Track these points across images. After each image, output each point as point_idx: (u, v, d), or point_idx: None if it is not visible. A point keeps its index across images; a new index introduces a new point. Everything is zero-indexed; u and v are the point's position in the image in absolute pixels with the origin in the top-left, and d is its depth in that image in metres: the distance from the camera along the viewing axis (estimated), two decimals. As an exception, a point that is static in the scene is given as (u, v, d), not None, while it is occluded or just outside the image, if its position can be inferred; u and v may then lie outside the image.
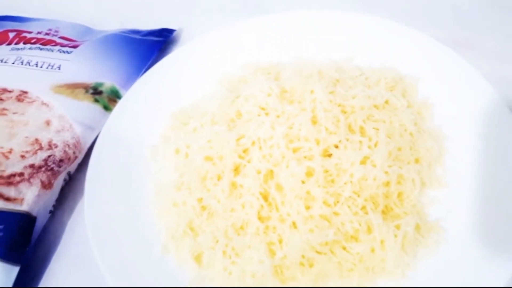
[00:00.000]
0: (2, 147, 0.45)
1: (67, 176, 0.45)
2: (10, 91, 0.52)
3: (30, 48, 0.58)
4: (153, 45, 0.57)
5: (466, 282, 0.32)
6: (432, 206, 0.38)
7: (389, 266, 0.33)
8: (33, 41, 0.60)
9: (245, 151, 0.39)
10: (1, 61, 0.56)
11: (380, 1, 0.61)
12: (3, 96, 0.51)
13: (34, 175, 0.42)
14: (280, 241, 0.35)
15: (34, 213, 0.40)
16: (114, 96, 0.50)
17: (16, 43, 0.59)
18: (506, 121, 0.39)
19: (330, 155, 0.38)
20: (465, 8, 0.58)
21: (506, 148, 0.38)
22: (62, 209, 0.44)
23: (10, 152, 0.45)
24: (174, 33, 0.61)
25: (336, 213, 0.35)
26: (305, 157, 0.38)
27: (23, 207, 0.40)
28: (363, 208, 0.36)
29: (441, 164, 0.40)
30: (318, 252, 0.34)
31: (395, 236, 0.34)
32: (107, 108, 0.48)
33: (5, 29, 0.63)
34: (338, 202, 0.36)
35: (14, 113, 0.49)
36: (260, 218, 0.36)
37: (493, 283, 0.31)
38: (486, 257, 0.33)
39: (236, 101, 0.44)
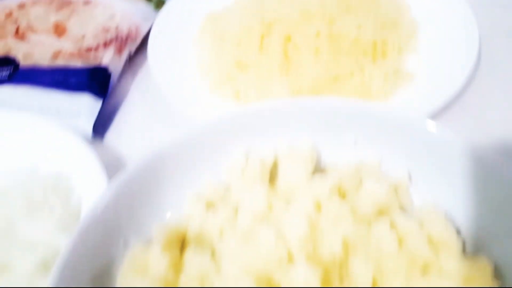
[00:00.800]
0: (77, 34, 0.58)
1: (128, 55, 0.58)
2: (76, 1, 0.65)
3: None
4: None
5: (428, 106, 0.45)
6: (407, 64, 0.51)
7: (374, 91, 0.47)
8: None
9: (268, 26, 0.52)
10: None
11: None
12: (71, 5, 0.64)
13: (108, 44, 0.55)
14: (297, 79, 0.48)
15: (109, 70, 0.53)
16: (161, 2, 0.63)
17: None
18: (465, 17, 0.52)
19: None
20: None
21: (462, 31, 0.51)
22: (126, 76, 0.57)
23: (84, 36, 0.58)
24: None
25: (338, 61, 0.49)
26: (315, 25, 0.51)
27: (103, 63, 0.53)
28: (357, 59, 0.49)
29: (415, 38, 0.53)
30: (325, 84, 0.48)
31: (380, 73, 0.47)
32: (157, 7, 0.62)
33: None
34: (339, 54, 0.49)
35: (83, 12, 0.62)
36: (281, 68, 0.50)
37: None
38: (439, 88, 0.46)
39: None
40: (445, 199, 0.35)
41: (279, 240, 0.33)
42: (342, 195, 0.36)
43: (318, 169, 0.40)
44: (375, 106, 0.38)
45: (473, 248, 0.34)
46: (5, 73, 0.54)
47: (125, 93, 0.55)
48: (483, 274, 0.31)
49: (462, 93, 0.47)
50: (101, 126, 0.51)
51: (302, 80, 0.48)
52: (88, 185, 0.43)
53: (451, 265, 0.31)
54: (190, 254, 0.34)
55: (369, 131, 0.38)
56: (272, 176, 0.39)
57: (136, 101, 0.54)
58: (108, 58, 0.54)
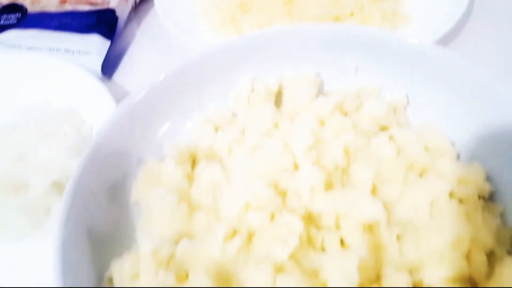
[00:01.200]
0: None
1: (134, 2, 0.59)
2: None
3: None
4: None
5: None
6: (404, 8, 0.53)
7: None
8: None
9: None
10: None
11: None
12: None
13: (115, -10, 0.56)
14: (299, 19, 0.50)
15: (117, 13, 0.55)
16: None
17: None
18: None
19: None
20: None
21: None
22: (132, 23, 0.58)
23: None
24: None
25: (339, 1, 0.50)
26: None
27: (110, 6, 0.54)
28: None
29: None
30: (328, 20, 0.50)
31: (378, 12, 0.49)
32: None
33: None
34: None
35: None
36: (283, 9, 0.51)
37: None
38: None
39: None
40: (441, 119, 0.37)
41: (285, 150, 0.35)
42: (344, 113, 0.38)
43: (322, 94, 0.42)
44: (375, 30, 0.40)
45: (467, 160, 0.36)
46: (13, 18, 0.56)
47: (131, 38, 0.57)
48: (476, 177, 0.33)
49: (455, 35, 0.49)
50: (109, 67, 0.52)
51: (304, 20, 0.50)
52: (99, 117, 0.45)
53: (447, 168, 0.34)
54: (201, 166, 0.36)
55: (369, 57, 0.40)
56: (278, 103, 0.41)
57: (142, 46, 0.56)
58: (115, 2, 0.55)
